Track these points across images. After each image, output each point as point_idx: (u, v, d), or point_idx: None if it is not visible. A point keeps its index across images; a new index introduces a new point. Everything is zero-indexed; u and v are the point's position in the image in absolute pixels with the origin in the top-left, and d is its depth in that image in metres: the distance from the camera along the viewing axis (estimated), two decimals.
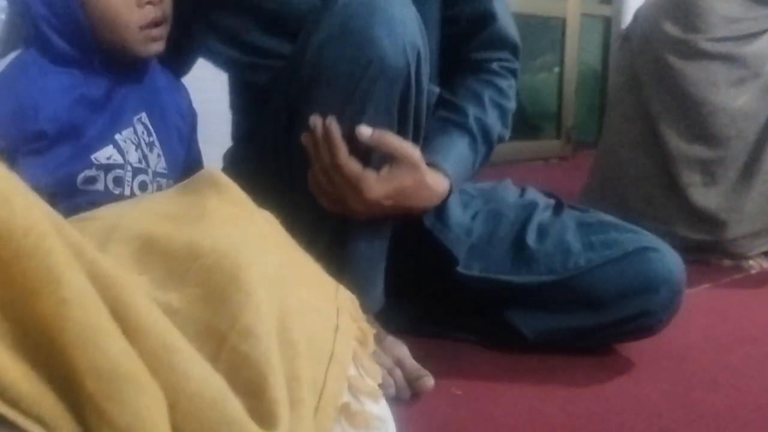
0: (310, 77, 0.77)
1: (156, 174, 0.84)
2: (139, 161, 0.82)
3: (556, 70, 3.46)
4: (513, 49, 0.97)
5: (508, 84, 0.96)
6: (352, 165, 0.76)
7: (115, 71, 0.81)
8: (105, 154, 0.79)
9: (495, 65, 0.95)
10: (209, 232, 0.46)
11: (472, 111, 0.90)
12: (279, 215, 0.67)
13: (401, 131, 0.79)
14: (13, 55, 0.78)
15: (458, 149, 0.88)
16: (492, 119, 0.92)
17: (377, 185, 0.77)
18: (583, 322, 0.93)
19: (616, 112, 1.50)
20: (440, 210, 0.92)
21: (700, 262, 1.38)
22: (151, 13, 0.79)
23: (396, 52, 0.74)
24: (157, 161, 0.84)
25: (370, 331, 0.58)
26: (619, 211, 1.42)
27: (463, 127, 0.90)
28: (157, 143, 0.85)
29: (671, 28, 1.34)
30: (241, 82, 0.96)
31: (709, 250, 1.40)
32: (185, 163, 0.89)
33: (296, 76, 0.79)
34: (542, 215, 0.97)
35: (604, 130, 1.56)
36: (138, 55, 0.81)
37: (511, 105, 0.96)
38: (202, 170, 0.52)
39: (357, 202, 0.78)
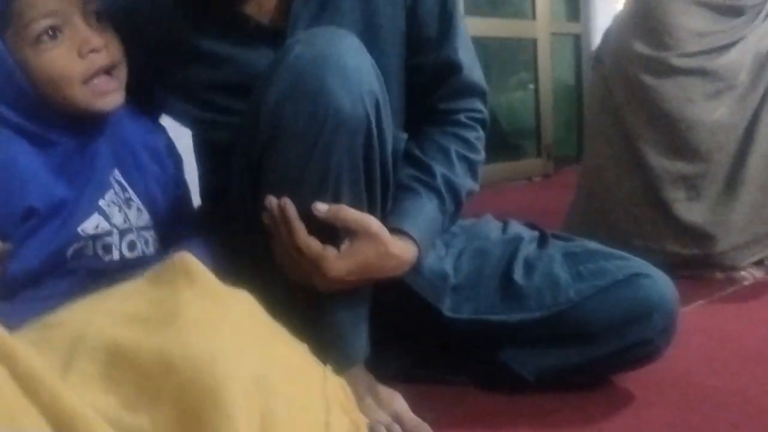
0: (268, 137, 0.75)
1: (140, 229, 0.81)
2: (124, 221, 0.80)
3: (531, 86, 3.49)
4: (480, 96, 0.96)
5: (475, 135, 0.94)
6: (311, 244, 0.74)
7: (78, 131, 0.78)
8: (92, 224, 0.77)
9: (462, 116, 0.93)
10: (182, 338, 0.43)
11: (439, 170, 0.88)
12: (254, 278, 0.64)
13: (369, 183, 0.77)
14: None
15: (426, 212, 0.85)
16: (460, 176, 0.90)
17: (338, 264, 0.75)
18: (579, 356, 0.90)
19: (594, 132, 1.49)
20: None
21: (693, 278, 1.36)
22: (95, 62, 0.75)
23: (353, 102, 0.72)
24: (138, 216, 0.82)
25: (363, 421, 0.55)
26: (607, 232, 1.41)
27: (432, 188, 0.87)
28: (134, 197, 0.82)
29: (641, 47, 1.34)
30: (203, 139, 0.93)
31: (701, 264, 1.39)
32: (172, 209, 0.86)
33: (254, 136, 0.76)
34: (528, 249, 0.94)
35: (585, 152, 1.56)
36: (91, 112, 0.77)
37: (480, 157, 0.94)
38: (174, 256, 0.49)
39: (320, 281, 0.76)
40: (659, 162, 1.36)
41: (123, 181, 0.81)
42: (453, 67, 0.91)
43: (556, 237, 0.98)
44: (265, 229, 0.77)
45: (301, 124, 0.72)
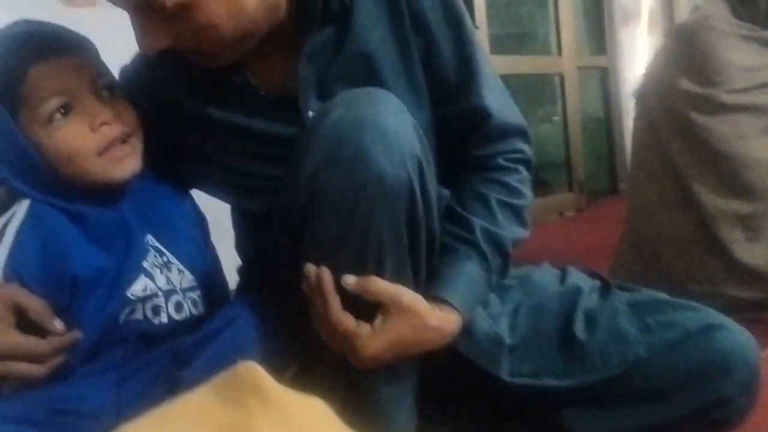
0: (307, 205, 0.72)
1: (184, 291, 0.81)
2: (167, 283, 0.79)
3: (556, 118, 3.47)
4: (520, 135, 0.91)
5: (518, 178, 0.89)
6: (344, 321, 0.71)
7: (102, 202, 0.77)
8: (140, 286, 0.76)
9: (500, 160, 0.88)
10: None
11: (479, 223, 0.83)
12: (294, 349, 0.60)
13: (414, 250, 0.74)
14: (25, 205, 0.75)
15: (468, 274, 0.81)
16: (503, 226, 0.85)
17: (372, 342, 0.72)
18: (649, 417, 0.83)
19: (641, 172, 1.45)
20: None
21: (756, 322, 1.29)
22: (108, 134, 0.76)
23: (394, 167, 0.69)
24: (180, 277, 0.81)
25: None
26: (660, 276, 1.35)
27: (471, 245, 0.82)
28: (172, 260, 0.81)
29: (688, 85, 1.30)
30: (240, 207, 0.92)
31: (763, 307, 1.31)
32: (210, 268, 0.86)
33: (293, 203, 0.74)
34: (588, 300, 0.89)
35: (630, 192, 1.51)
36: (110, 182, 0.77)
37: (525, 201, 0.89)
38: (241, 366, 0.45)
39: (355, 360, 0.73)
40: (713, 201, 1.31)
41: (158, 245, 0.80)
42: (481, 114, 0.87)
43: (619, 287, 0.92)
44: (305, 298, 0.75)
45: (340, 191, 0.70)
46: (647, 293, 0.90)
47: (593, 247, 2.50)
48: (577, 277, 0.96)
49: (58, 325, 0.71)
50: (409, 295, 0.74)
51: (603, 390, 0.84)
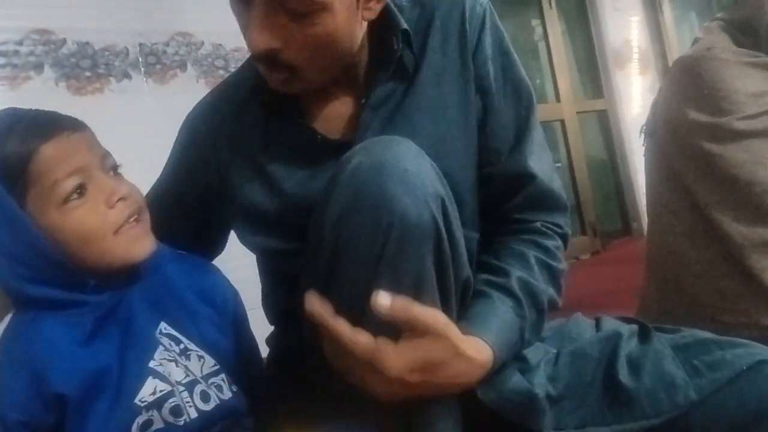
0: (332, 254, 0.70)
1: (207, 377, 0.75)
2: (185, 374, 0.73)
3: (559, 165, 3.48)
4: (562, 210, 0.90)
5: (555, 245, 0.87)
6: (360, 338, 0.66)
7: (110, 288, 0.73)
8: (148, 389, 0.70)
9: (539, 224, 0.87)
10: None
11: (515, 272, 0.81)
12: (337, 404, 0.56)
13: (443, 290, 0.71)
14: (7, 319, 0.71)
15: (500, 315, 0.77)
16: (540, 281, 0.82)
17: (397, 357, 0.66)
18: None
19: (659, 206, 1.42)
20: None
21: None
22: (125, 210, 0.73)
23: (418, 207, 0.67)
24: (201, 364, 0.75)
25: None
26: (690, 311, 1.30)
27: (504, 289, 0.79)
28: (191, 346, 0.76)
29: (699, 116, 1.29)
30: (281, 269, 0.89)
31: None
32: (238, 348, 0.81)
33: (318, 254, 0.72)
34: (629, 345, 0.85)
35: (650, 228, 1.47)
36: (129, 262, 0.73)
37: (562, 266, 0.87)
38: None
39: (377, 382, 0.67)
40: (737, 230, 1.27)
41: (173, 332, 0.76)
42: (525, 178, 0.86)
43: (657, 329, 0.88)
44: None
45: (365, 236, 0.67)
46: (689, 333, 0.86)
47: (614, 290, 2.45)
48: (612, 323, 0.93)
49: None
50: (442, 317, 0.69)
51: None
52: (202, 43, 2.24)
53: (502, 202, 0.88)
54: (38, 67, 1.91)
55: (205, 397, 0.73)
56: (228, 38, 2.27)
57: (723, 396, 0.77)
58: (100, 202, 0.72)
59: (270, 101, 0.85)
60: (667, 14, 4.19)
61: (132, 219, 0.74)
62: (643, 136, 1.45)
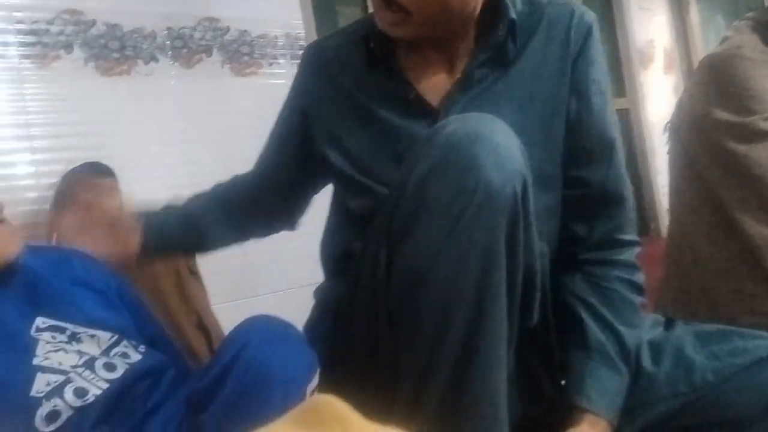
0: (412, 211, 0.72)
1: (108, 349, 0.73)
2: (80, 356, 0.71)
3: None
4: (633, 246, 0.95)
5: (631, 256, 0.94)
6: None
7: None
8: (40, 385, 0.67)
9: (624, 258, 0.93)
10: None
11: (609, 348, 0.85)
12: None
13: (510, 269, 0.72)
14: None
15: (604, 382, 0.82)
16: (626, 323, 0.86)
17: None
18: None
19: (679, 204, 1.42)
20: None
21: None
22: None
23: (503, 179, 0.69)
24: (96, 341, 0.73)
25: None
26: (709, 310, 1.30)
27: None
28: (79, 329, 0.73)
29: (724, 114, 1.29)
30: (349, 204, 0.93)
31: None
32: (135, 315, 0.81)
33: (396, 210, 0.74)
34: (652, 333, 0.88)
35: (671, 227, 1.47)
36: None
37: (641, 274, 0.93)
38: (318, 398, 0.43)
39: None
40: (759, 231, 1.27)
41: (54, 322, 0.73)
42: (617, 197, 0.91)
43: (684, 322, 0.91)
44: (391, 300, 0.73)
45: (447, 196, 0.70)
46: (711, 325, 0.89)
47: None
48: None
49: None
50: None
51: (675, 420, 0.82)
52: (228, 29, 2.25)
53: (588, 219, 0.91)
54: (68, 47, 1.93)
55: (110, 367, 0.72)
56: (254, 25, 2.29)
57: (742, 380, 0.79)
58: None
59: (377, 48, 0.91)
60: (694, 15, 4.15)
61: None
62: (666, 134, 1.44)
